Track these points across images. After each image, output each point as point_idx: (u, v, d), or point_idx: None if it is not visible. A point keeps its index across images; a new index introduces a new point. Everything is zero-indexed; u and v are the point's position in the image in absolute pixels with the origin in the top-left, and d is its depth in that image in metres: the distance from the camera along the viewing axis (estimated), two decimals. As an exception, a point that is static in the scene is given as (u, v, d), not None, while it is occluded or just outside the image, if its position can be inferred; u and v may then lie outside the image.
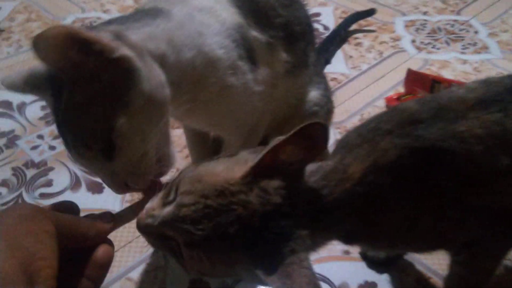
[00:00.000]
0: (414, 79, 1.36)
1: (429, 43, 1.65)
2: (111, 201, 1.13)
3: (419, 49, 1.63)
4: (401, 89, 1.45)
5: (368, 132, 0.61)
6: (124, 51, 0.60)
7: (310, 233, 0.51)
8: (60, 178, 1.19)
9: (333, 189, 0.54)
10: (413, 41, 1.67)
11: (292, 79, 0.94)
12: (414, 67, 1.50)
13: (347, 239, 0.61)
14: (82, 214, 1.10)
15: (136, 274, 0.98)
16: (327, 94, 1.08)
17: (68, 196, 1.13)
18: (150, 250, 1.03)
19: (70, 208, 0.54)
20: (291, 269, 0.46)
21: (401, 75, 1.49)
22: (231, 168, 0.52)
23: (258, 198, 0.49)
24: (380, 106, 1.39)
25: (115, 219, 0.57)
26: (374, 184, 0.55)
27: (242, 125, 0.88)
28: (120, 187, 0.66)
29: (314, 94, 1.03)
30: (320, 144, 0.50)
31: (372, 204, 0.56)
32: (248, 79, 0.78)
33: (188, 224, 0.49)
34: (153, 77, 0.64)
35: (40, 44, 0.54)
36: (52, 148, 1.28)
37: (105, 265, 0.51)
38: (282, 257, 0.47)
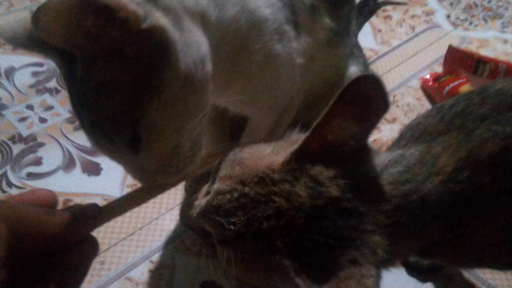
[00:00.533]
0: (455, 57, 1.21)
1: (465, 19, 1.50)
2: (110, 184, 0.99)
3: (454, 25, 1.48)
4: (437, 69, 1.30)
5: (454, 117, 0.51)
6: (156, 19, 0.49)
7: (384, 240, 0.42)
8: (51, 156, 1.06)
9: (420, 186, 0.45)
10: (448, 16, 1.52)
11: (332, 49, 0.82)
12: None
13: (425, 252, 0.50)
14: (76, 198, 0.98)
15: (137, 273, 0.85)
16: (367, 71, 0.94)
17: (60, 178, 1.01)
18: (154, 244, 0.89)
19: (46, 198, 0.47)
20: (346, 284, 0.37)
21: (436, 53, 1.36)
22: (277, 152, 0.46)
23: (306, 189, 0.42)
24: (414, 87, 1.25)
25: (103, 213, 0.49)
26: (470, 181, 0.45)
27: (277, 104, 0.77)
28: (149, 181, 0.56)
29: (354, 70, 0.91)
30: (377, 106, 0.41)
31: (465, 206, 0.46)
32: (293, 48, 0.69)
33: (221, 215, 0.44)
34: (193, 49, 0.54)
35: (43, 20, 0.42)
36: (43, 120, 1.13)
37: (76, 270, 0.45)
38: (337, 267, 0.39)
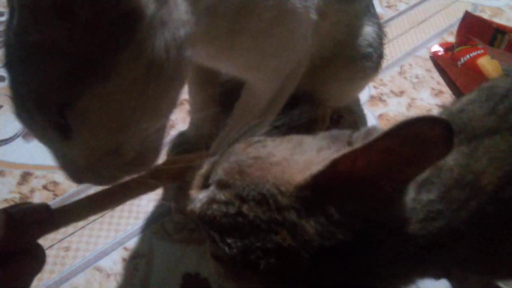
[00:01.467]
0: (471, 25, 1.09)
1: (476, -15, 1.37)
2: (77, 157, 0.84)
3: (466, -10, 1.35)
4: (448, 38, 1.18)
5: (508, 111, 0.41)
6: None
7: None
8: (9, 120, 0.92)
9: (453, 217, 0.39)
10: (458, -20, 1.38)
11: (347, 4, 0.72)
12: (460, 13, 1.23)
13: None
14: (37, 171, 0.84)
15: (108, 262, 0.73)
16: (381, 33, 0.83)
17: (18, 146, 0.88)
18: (129, 228, 0.77)
19: None
20: None
21: (446, 21, 1.25)
22: (291, 161, 0.38)
23: (316, 225, 0.35)
24: (423, 57, 1.14)
25: (55, 217, 0.41)
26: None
27: (284, 68, 0.67)
28: (75, 178, 0.47)
29: (369, 30, 0.80)
30: (436, 153, 0.34)
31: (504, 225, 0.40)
32: (310, 2, 0.60)
33: (215, 230, 0.38)
34: (170, 29, 0.43)
35: None
36: (1, 79, 0.97)
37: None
38: None
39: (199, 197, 0.40)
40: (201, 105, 0.85)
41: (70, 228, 0.76)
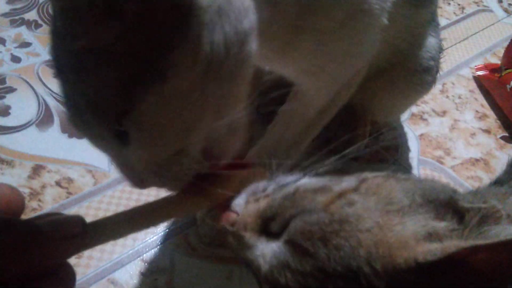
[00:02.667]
0: (521, 48, 1.02)
1: (518, 7, 1.32)
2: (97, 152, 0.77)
3: (507, 12, 1.30)
4: (491, 59, 1.13)
5: None
6: None
7: None
8: (22, 105, 0.85)
9: None
10: (500, 0, 1.33)
11: (415, 9, 0.65)
12: (502, 34, 1.18)
13: None
14: (50, 165, 0.76)
15: (124, 275, 0.65)
16: (441, 45, 0.78)
17: (31, 135, 0.80)
18: (148, 237, 0.69)
19: (7, 201, 0.34)
20: None
21: (489, 41, 1.20)
22: (385, 228, 0.32)
23: None
24: (466, 77, 1.08)
25: (87, 232, 0.36)
26: None
27: (344, 75, 0.61)
28: (136, 184, 0.43)
29: (432, 42, 0.74)
30: None
31: None
32: (386, 5, 0.55)
33: None
34: (230, 21, 0.38)
35: None
36: (16, 60, 0.92)
37: None
38: None
39: (261, 248, 0.35)
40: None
41: (83, 232, 0.68)
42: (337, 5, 0.51)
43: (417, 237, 0.32)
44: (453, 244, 0.30)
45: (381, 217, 0.33)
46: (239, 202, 0.39)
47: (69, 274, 0.35)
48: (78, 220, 0.35)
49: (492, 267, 0.30)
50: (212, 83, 0.38)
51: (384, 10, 0.54)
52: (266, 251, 0.35)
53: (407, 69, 0.72)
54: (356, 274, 0.31)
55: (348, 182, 0.37)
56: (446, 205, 0.34)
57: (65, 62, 0.38)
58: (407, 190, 0.35)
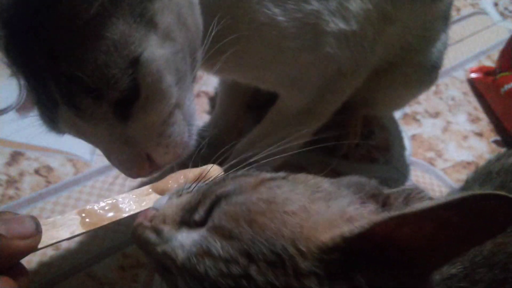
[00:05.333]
0: (516, 52, 1.01)
1: (514, 11, 1.31)
2: (78, 140, 0.74)
3: (503, 15, 1.29)
4: (485, 62, 1.12)
5: None
6: None
7: None
8: (2, 89, 0.80)
9: None
10: (496, 4, 1.32)
11: (425, 5, 0.63)
12: (497, 37, 1.17)
13: None
14: (29, 152, 0.73)
15: (103, 269, 0.62)
16: (447, 41, 0.77)
17: (11, 121, 0.77)
18: (129, 232, 0.66)
19: None
20: None
21: (483, 44, 1.19)
22: (312, 212, 0.33)
23: None
24: (460, 79, 1.07)
25: (40, 232, 0.35)
26: None
27: (303, 85, 0.61)
28: (140, 166, 0.45)
29: (443, 38, 0.72)
30: (493, 230, 0.30)
31: None
32: (310, 9, 0.52)
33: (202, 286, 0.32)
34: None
35: None
36: None
37: None
38: None
39: (180, 239, 0.34)
40: (229, 103, 0.77)
41: (61, 223, 0.65)
42: (243, 16, 0.52)
43: (343, 217, 0.32)
44: (376, 217, 0.30)
45: (308, 202, 0.33)
46: (161, 202, 0.39)
47: (22, 274, 0.34)
48: (30, 220, 0.34)
49: (418, 240, 0.30)
50: (187, 30, 0.44)
51: (322, 13, 0.53)
52: (186, 241, 0.34)
53: (417, 65, 0.70)
54: (281, 258, 0.31)
55: (278, 174, 0.38)
56: (372, 194, 0.34)
57: (66, 44, 0.38)
58: (334, 182, 0.36)
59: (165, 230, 0.36)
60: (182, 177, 0.42)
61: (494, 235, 0.30)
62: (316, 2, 0.52)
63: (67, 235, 0.37)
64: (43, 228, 0.35)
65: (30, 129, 0.75)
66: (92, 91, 0.38)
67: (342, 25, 0.54)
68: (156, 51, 0.41)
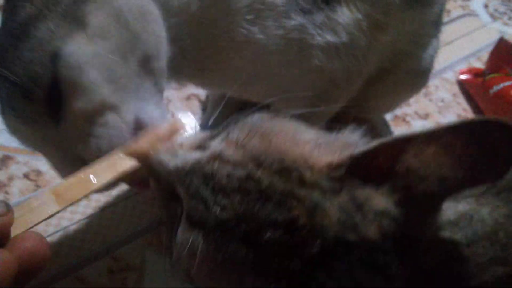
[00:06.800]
0: (505, 52, 1.02)
1: (504, 13, 1.32)
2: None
3: (493, 17, 1.30)
4: (475, 64, 1.12)
5: None
6: None
7: None
8: None
9: (479, 274, 0.35)
10: (486, 5, 1.33)
11: (416, 11, 0.62)
12: (487, 39, 1.18)
13: None
14: (19, 156, 0.73)
15: (92, 273, 0.62)
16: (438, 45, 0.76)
17: None
18: (120, 234, 0.66)
19: None
20: None
21: (473, 45, 1.20)
22: (322, 146, 0.35)
23: (340, 212, 0.32)
24: (449, 80, 1.07)
25: (11, 211, 0.35)
26: None
27: (294, 97, 0.59)
28: (69, 165, 0.44)
29: (434, 44, 0.73)
30: (496, 163, 0.30)
31: None
32: (292, 25, 0.52)
33: (210, 189, 0.33)
34: None
35: None
36: None
37: None
38: None
39: (194, 155, 0.36)
40: (220, 105, 0.77)
41: (50, 227, 0.65)
42: (221, 35, 0.52)
43: (349, 146, 0.34)
44: (383, 139, 0.32)
45: (316, 135, 0.36)
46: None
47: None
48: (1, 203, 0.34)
49: (421, 163, 0.32)
50: (124, 33, 0.44)
51: (307, 31, 0.52)
52: (195, 155, 0.35)
53: (409, 71, 0.70)
54: (288, 169, 0.33)
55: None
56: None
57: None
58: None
59: (180, 151, 0.37)
60: (154, 136, 0.41)
61: (499, 166, 0.31)
62: (299, 17, 0.51)
63: (45, 216, 0.36)
64: (20, 212, 0.35)
65: None
66: (22, 91, 0.40)
67: (329, 38, 0.54)
68: (81, 47, 0.41)
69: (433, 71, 1.06)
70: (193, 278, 0.35)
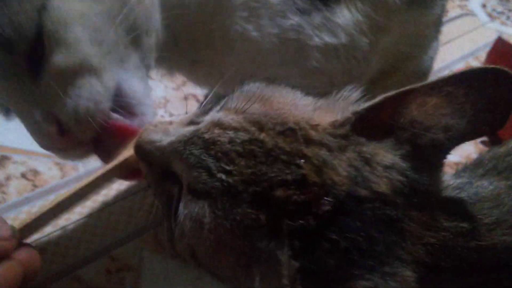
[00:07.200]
0: (503, 53, 1.02)
1: (502, 13, 1.32)
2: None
3: (491, 16, 1.30)
4: (473, 63, 1.12)
5: None
6: None
7: (414, 283, 0.31)
8: None
9: (484, 232, 0.35)
10: (484, 5, 1.33)
11: (417, 12, 0.61)
12: (485, 39, 1.18)
13: None
14: (16, 156, 0.73)
15: (89, 272, 0.62)
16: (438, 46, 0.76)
17: None
18: (118, 234, 0.66)
19: None
20: None
21: (471, 45, 1.19)
22: (322, 108, 0.36)
23: (349, 168, 0.32)
24: (447, 80, 1.06)
25: (16, 236, 0.35)
26: None
27: None
28: (49, 131, 0.42)
29: (435, 46, 0.72)
30: (499, 110, 0.32)
31: None
32: (289, 24, 0.52)
33: (211, 156, 0.33)
34: None
35: None
36: None
37: None
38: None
39: (182, 129, 0.36)
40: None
41: (48, 227, 0.65)
42: (216, 30, 0.51)
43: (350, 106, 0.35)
44: (387, 93, 0.34)
45: (314, 101, 0.37)
46: None
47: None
48: (5, 224, 0.35)
49: (425, 114, 0.33)
50: None
51: (283, 33, 0.52)
52: (187, 129, 0.35)
53: (409, 73, 0.69)
54: (292, 129, 0.33)
55: None
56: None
57: None
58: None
59: (171, 128, 0.37)
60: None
61: (500, 113, 0.32)
62: (296, 17, 0.51)
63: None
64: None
65: (17, 132, 0.75)
66: (4, 42, 0.39)
67: (328, 39, 0.54)
68: (69, 2, 0.41)
69: (431, 70, 1.07)
70: (197, 257, 0.35)
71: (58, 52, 0.40)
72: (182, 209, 0.34)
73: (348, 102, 0.36)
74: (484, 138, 0.95)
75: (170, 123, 0.38)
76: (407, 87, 0.33)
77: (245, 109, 0.35)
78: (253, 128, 0.33)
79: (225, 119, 0.34)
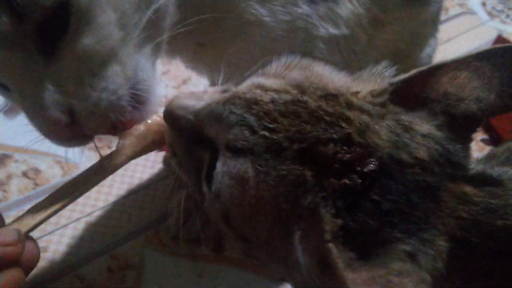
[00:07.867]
0: (503, 51, 1.02)
1: (501, 11, 1.32)
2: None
3: (491, 15, 1.30)
4: (473, 62, 1.12)
5: None
6: None
7: (445, 254, 0.32)
8: None
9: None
10: (483, 4, 1.33)
11: (414, 10, 0.62)
12: (485, 37, 1.18)
13: None
14: (17, 155, 0.73)
15: (91, 271, 0.62)
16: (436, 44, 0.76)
17: None
18: (120, 232, 0.66)
19: None
20: (401, 282, 0.28)
21: (471, 43, 1.19)
22: (358, 79, 0.37)
23: (390, 133, 0.33)
24: (448, 79, 1.06)
25: (22, 241, 0.35)
26: None
27: None
28: (57, 119, 0.37)
29: (432, 43, 0.72)
30: None
31: None
32: (299, 13, 0.52)
33: (253, 115, 0.33)
34: None
35: None
36: None
37: None
38: (389, 254, 0.30)
39: (217, 94, 0.36)
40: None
41: (49, 225, 0.65)
42: (226, 15, 0.50)
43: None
44: (420, 68, 0.35)
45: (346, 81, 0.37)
46: None
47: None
48: (13, 230, 0.35)
49: (455, 88, 0.35)
50: None
51: (297, 20, 0.52)
52: (227, 93, 0.36)
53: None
54: (333, 94, 0.34)
55: None
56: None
57: None
58: None
59: (206, 95, 0.37)
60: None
61: None
62: (305, 6, 0.51)
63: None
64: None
65: (18, 131, 0.75)
66: (11, 4, 0.33)
67: (332, 30, 0.54)
68: None
69: (431, 69, 1.08)
70: (230, 221, 0.34)
71: (89, 34, 0.36)
72: (220, 168, 0.34)
73: (383, 77, 0.38)
74: (485, 136, 0.95)
75: (206, 91, 0.38)
76: (438, 62, 0.35)
77: (285, 74, 0.36)
78: (295, 91, 0.34)
79: (266, 81, 0.35)
